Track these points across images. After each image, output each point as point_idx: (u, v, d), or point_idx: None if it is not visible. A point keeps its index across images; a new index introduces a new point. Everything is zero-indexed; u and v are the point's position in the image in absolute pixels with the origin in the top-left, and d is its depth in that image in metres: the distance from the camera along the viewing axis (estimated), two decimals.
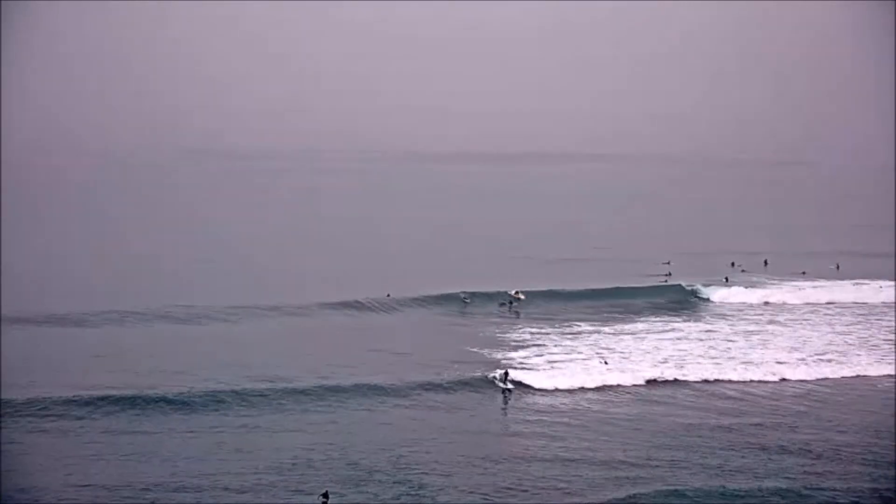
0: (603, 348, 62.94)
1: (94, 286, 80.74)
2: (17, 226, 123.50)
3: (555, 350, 61.44)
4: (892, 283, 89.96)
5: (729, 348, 64.00)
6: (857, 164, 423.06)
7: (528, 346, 63.07)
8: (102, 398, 46.01)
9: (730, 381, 55.43)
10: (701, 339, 66.99)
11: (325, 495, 35.52)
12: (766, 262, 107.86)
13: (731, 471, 39.77)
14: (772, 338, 68.20)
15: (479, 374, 53.42)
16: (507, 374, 52.50)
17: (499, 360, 57.35)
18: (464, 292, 78.46)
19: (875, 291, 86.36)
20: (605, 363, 58.08)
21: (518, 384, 51.81)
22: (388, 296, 78.14)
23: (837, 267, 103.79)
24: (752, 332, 70.02)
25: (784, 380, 56.52)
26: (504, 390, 51.06)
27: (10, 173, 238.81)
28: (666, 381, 54.63)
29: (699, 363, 59.33)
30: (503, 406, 49.57)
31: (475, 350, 61.14)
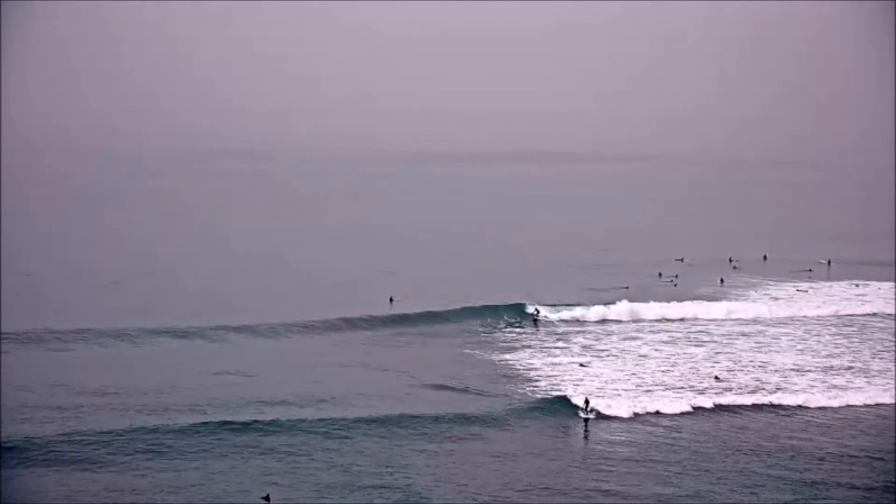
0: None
1: (97, 298, 78.28)
2: (16, 230, 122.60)
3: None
4: (868, 283, 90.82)
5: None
6: (855, 163, 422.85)
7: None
8: (109, 430, 42.64)
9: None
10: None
11: (267, 498, 35.59)
12: (765, 258, 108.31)
13: None
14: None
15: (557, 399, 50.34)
16: (587, 401, 48.91)
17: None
18: (534, 306, 74.41)
19: (805, 306, 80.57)
20: (582, 365, 58.75)
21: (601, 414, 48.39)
22: (392, 301, 77.72)
23: (829, 263, 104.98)
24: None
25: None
26: (585, 420, 47.58)
27: (10, 174, 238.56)
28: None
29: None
30: (584, 436, 46.44)
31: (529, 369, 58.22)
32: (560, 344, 65.51)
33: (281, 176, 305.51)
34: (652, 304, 77.37)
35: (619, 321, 73.70)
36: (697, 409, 50.00)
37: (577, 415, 48.23)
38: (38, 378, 51.92)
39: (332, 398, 49.89)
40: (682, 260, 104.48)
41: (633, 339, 67.72)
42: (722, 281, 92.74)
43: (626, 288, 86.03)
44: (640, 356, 62.20)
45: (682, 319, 74.47)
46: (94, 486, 37.54)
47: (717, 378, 56.52)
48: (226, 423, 44.28)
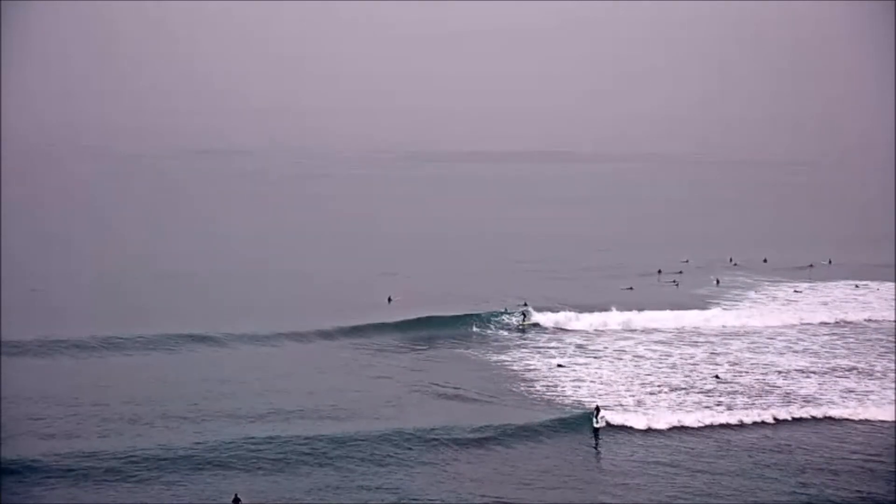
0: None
1: (93, 303, 76.89)
2: (15, 233, 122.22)
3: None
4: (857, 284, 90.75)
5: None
6: (856, 164, 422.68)
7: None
8: (107, 443, 41.49)
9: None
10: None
11: (237, 500, 35.60)
12: (765, 260, 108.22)
13: None
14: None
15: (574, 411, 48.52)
16: (598, 409, 46.96)
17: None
18: (522, 310, 72.10)
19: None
20: (560, 366, 58.44)
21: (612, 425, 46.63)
22: (390, 300, 77.61)
23: (829, 262, 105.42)
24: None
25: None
26: (595, 430, 45.92)
27: (9, 174, 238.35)
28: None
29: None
30: (596, 448, 44.81)
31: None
32: (557, 346, 65.12)
33: (280, 176, 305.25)
34: (652, 304, 76.70)
35: (618, 322, 72.60)
36: (706, 417, 48.42)
37: (587, 422, 46.90)
38: (35, 389, 51.00)
39: (329, 403, 49.49)
40: (686, 261, 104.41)
41: (631, 339, 67.41)
42: (718, 282, 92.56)
43: (631, 289, 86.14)
44: (638, 356, 61.90)
45: (680, 321, 73.68)
46: (90, 497, 37.25)
47: (717, 377, 56.29)
48: (223, 431, 43.85)
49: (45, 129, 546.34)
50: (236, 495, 35.96)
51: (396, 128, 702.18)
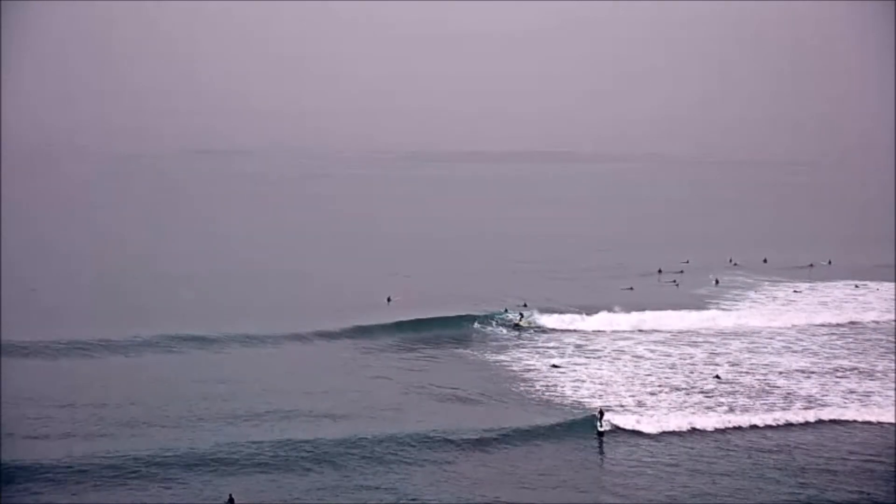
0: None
1: (93, 306, 76.31)
2: (15, 233, 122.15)
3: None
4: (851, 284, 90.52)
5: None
6: (855, 164, 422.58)
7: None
8: (106, 446, 41.12)
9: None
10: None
11: (231, 500, 35.67)
12: (765, 260, 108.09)
13: None
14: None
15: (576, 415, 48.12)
16: (601, 413, 46.75)
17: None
18: (519, 311, 71.84)
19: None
20: (555, 366, 58.23)
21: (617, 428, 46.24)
22: (389, 301, 77.57)
23: (829, 262, 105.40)
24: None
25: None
26: (599, 433, 45.50)
27: (11, 174, 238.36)
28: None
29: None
30: (600, 451, 44.29)
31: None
32: (557, 346, 64.94)
33: (280, 177, 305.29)
34: (652, 304, 76.33)
35: (618, 322, 72.14)
36: (706, 418, 48.13)
37: (587, 423, 46.61)
38: (35, 389, 50.70)
39: (329, 403, 49.33)
40: (687, 262, 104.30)
41: (631, 339, 67.22)
42: (717, 282, 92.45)
43: (631, 289, 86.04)
44: (638, 357, 61.71)
45: (679, 321, 73.25)
46: (90, 497, 37.14)
47: (717, 378, 56.25)
48: (222, 431, 43.72)
49: (44, 129, 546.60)
50: (231, 496, 35.97)
51: (396, 128, 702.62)
